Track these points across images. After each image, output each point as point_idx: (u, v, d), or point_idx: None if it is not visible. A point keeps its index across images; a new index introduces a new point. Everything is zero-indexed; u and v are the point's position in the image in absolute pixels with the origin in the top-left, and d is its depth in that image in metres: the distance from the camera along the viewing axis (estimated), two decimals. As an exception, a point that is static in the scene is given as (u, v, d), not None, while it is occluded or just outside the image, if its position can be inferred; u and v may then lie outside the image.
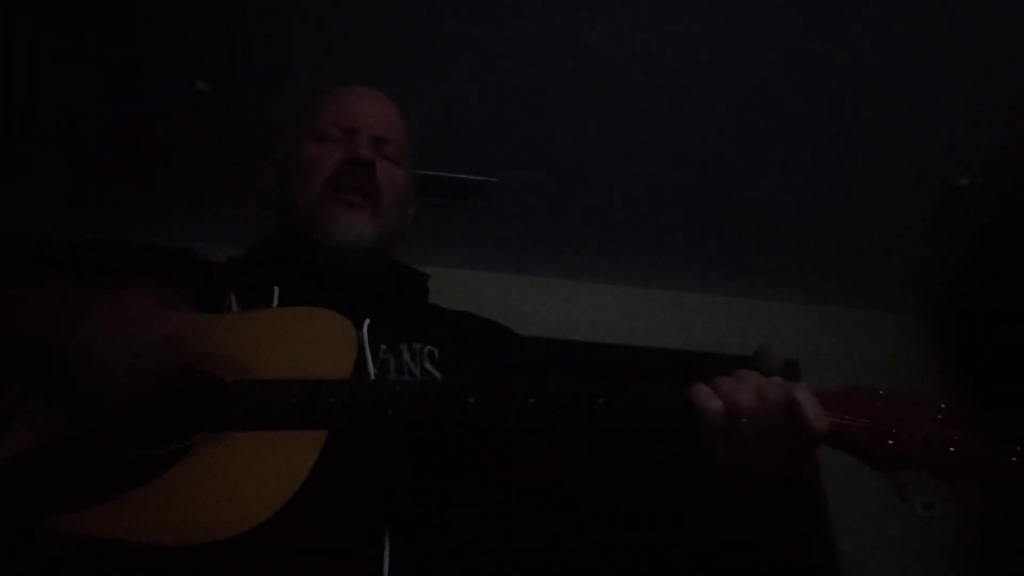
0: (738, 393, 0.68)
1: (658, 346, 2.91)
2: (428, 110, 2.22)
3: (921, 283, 3.02)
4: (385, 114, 1.11)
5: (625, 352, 2.88)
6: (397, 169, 1.08)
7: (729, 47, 2.12)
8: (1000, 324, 2.79)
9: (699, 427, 0.68)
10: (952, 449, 0.63)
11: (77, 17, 2.01)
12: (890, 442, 0.64)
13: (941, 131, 2.36)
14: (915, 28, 2.05)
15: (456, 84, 2.24)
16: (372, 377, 0.85)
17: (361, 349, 0.83)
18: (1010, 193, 2.56)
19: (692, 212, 2.70)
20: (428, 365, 0.92)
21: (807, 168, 2.52)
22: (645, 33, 2.09)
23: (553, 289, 3.01)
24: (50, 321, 0.78)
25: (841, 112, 2.31)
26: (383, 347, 0.89)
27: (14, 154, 2.42)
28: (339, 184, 1.02)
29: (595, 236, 2.83)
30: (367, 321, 0.88)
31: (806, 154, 2.46)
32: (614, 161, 2.50)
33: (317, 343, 0.81)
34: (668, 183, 2.58)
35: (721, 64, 2.17)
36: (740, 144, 2.43)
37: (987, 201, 2.59)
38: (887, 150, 2.44)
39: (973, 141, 2.39)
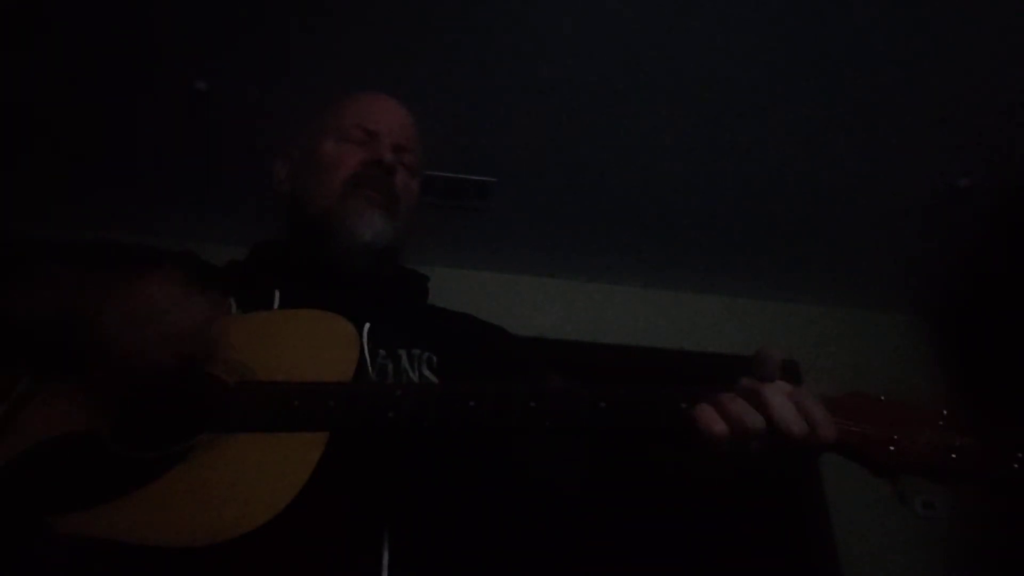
0: (744, 416, 0.67)
1: (658, 346, 2.91)
2: (428, 110, 2.20)
3: (921, 283, 3.02)
4: (406, 124, 1.13)
5: (625, 352, 2.88)
6: (411, 179, 1.10)
7: (728, 48, 2.12)
8: (1000, 324, 2.79)
9: (702, 445, 0.68)
10: (953, 456, 0.62)
11: (77, 17, 2.01)
12: (891, 448, 0.64)
13: (941, 131, 2.36)
14: (915, 28, 2.05)
15: (456, 84, 2.23)
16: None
17: (361, 353, 0.83)
18: (1010, 193, 2.56)
19: (692, 212, 2.70)
20: (427, 371, 0.92)
21: (807, 168, 2.52)
22: (644, 34, 2.08)
23: (553, 289, 3.01)
24: (70, 306, 0.77)
25: (842, 112, 2.30)
26: (382, 352, 0.89)
27: (14, 154, 2.42)
28: (361, 182, 1.03)
29: (595, 236, 2.83)
30: (367, 325, 0.88)
31: (806, 154, 2.46)
32: (614, 161, 2.50)
33: (320, 346, 0.81)
34: (667, 183, 2.58)
35: (720, 65, 2.16)
36: (739, 144, 2.43)
37: (987, 201, 2.59)
38: (887, 150, 2.44)
39: (973, 141, 2.39)
